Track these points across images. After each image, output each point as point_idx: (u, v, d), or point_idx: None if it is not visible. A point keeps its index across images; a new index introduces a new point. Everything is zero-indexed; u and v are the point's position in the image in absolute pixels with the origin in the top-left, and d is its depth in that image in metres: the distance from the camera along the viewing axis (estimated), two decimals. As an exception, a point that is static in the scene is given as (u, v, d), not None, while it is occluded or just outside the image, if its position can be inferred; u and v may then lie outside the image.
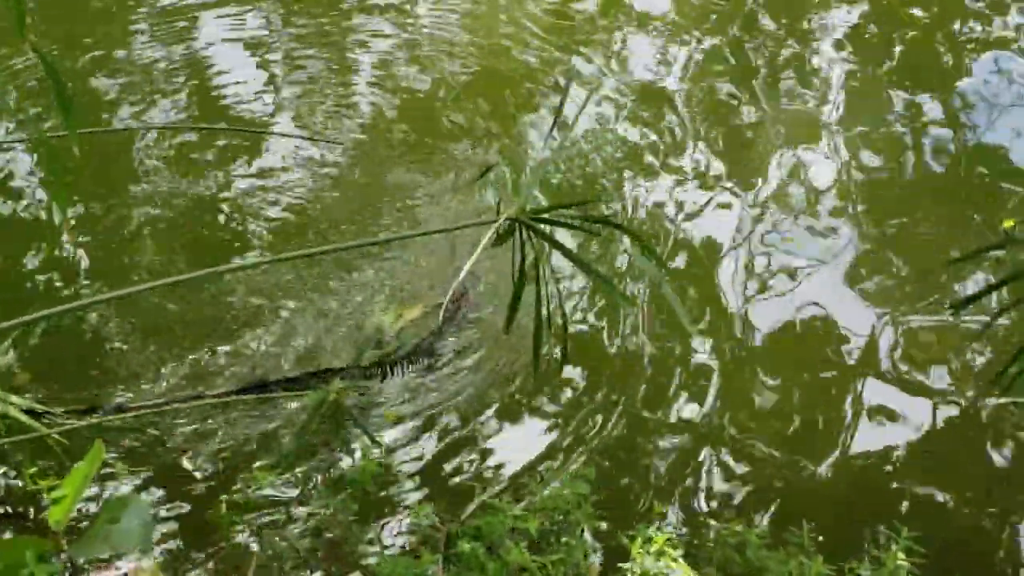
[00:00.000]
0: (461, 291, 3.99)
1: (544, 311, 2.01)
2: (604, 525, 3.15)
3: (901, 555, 2.66)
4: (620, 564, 3.07)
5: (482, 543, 2.78)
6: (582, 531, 3.05)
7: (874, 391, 3.84)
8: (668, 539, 2.92)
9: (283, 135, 4.54)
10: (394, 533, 3.23)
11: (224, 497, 3.16)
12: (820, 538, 3.13)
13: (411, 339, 3.83)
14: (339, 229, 4.23)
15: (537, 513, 3.03)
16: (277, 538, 3.11)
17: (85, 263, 4.07)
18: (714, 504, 3.58)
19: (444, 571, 2.76)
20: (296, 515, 3.23)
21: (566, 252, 2.02)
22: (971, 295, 2.09)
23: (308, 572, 3.04)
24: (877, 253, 4.27)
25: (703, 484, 3.60)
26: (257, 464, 3.37)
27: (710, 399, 3.82)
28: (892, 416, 3.77)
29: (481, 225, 2.05)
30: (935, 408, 3.76)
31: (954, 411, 3.74)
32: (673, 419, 3.75)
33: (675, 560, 2.90)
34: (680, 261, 4.24)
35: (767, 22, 5.28)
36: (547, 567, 2.82)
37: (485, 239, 1.98)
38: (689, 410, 3.79)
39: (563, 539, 3.03)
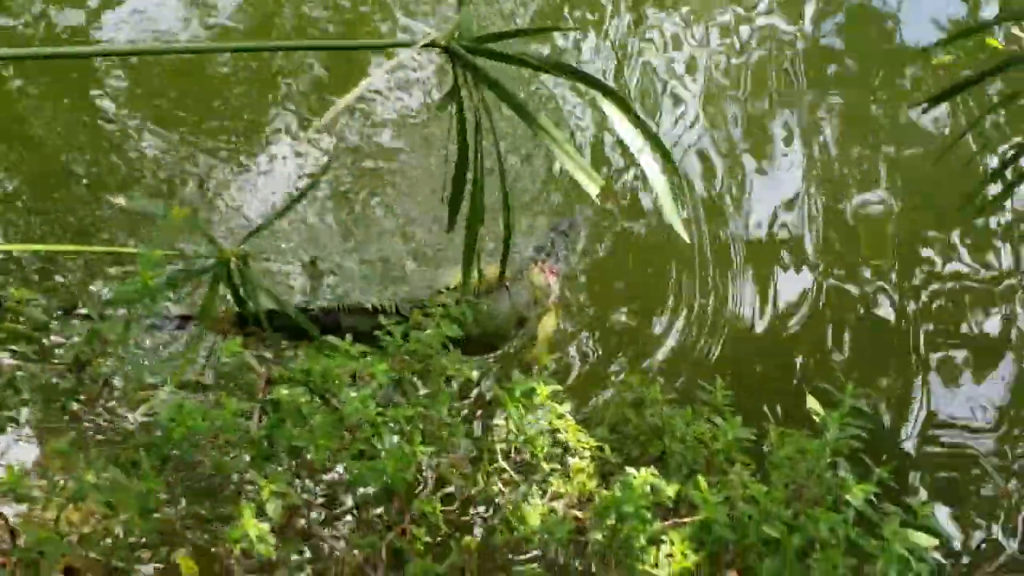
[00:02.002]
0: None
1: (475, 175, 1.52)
2: (476, 374, 2.56)
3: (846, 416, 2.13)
4: (496, 422, 2.48)
5: (311, 390, 2.13)
6: (447, 380, 2.43)
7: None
8: (555, 392, 2.33)
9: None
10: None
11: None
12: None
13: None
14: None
15: (392, 359, 2.38)
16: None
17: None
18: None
19: (259, 421, 2.11)
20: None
21: (504, 95, 1.52)
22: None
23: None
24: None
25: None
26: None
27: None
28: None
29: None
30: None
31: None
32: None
33: (560, 416, 2.31)
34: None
35: None
36: (399, 421, 2.19)
37: (387, 65, 1.94)
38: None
39: (422, 390, 2.41)
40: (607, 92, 1.58)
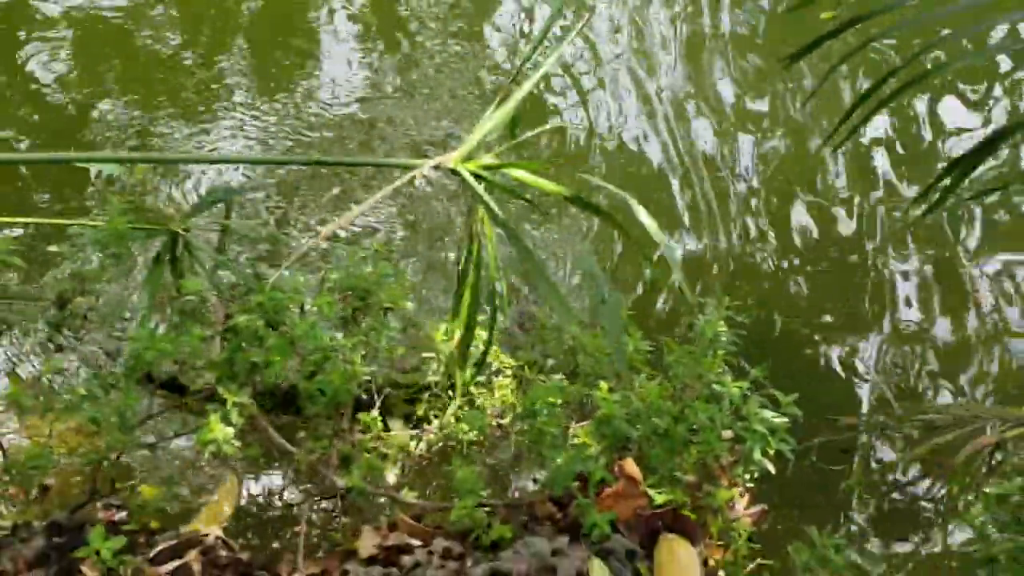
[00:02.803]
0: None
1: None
2: (411, 305, 2.90)
3: (721, 324, 2.51)
4: (424, 354, 2.84)
5: (263, 318, 2.45)
6: (384, 312, 2.77)
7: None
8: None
9: None
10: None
11: None
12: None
13: None
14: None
15: (337, 292, 2.71)
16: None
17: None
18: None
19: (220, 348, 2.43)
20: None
21: (505, 227, 1.59)
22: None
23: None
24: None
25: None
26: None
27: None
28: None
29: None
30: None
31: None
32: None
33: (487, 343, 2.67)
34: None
35: None
36: (345, 348, 2.53)
37: (393, 185, 1.74)
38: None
39: (363, 322, 2.74)
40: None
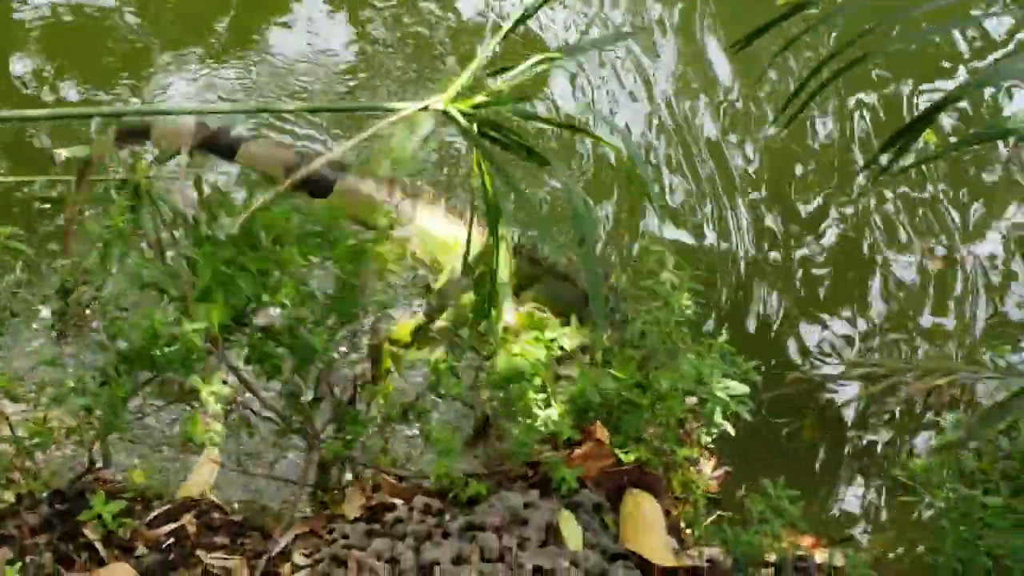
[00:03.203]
0: None
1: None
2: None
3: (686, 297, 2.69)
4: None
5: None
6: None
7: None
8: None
9: None
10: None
11: None
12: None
13: None
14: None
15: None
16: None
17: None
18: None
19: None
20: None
21: (497, 166, 1.52)
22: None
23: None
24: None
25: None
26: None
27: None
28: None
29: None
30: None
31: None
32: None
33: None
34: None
35: None
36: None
37: (380, 124, 1.56)
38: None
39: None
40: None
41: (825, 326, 3.45)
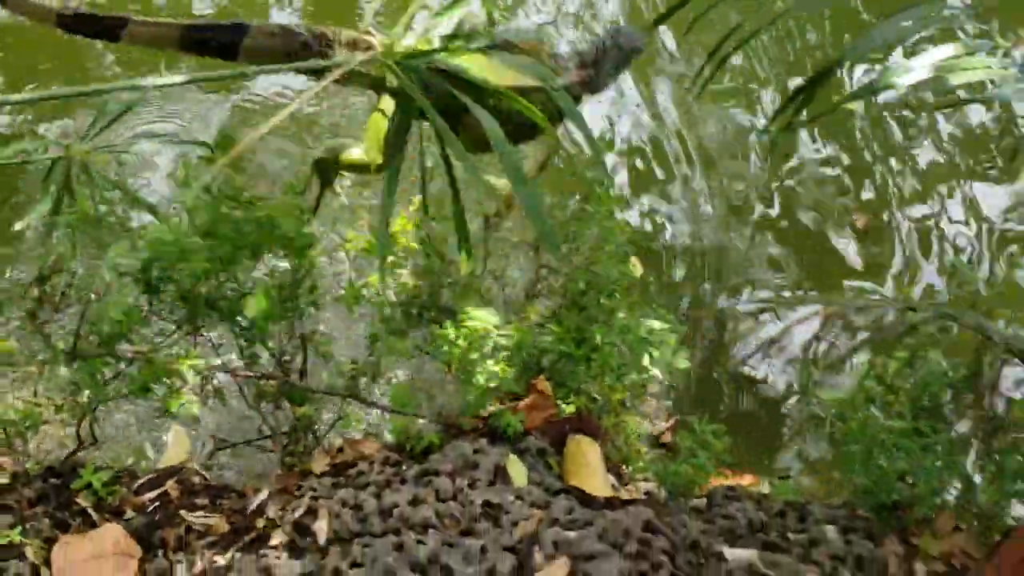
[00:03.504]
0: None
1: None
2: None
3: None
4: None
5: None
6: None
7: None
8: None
9: None
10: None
11: None
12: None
13: None
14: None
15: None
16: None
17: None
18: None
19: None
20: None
21: (439, 127, 1.42)
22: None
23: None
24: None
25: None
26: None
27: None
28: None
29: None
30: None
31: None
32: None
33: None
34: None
35: None
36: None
37: (320, 84, 1.51)
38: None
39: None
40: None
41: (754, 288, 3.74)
